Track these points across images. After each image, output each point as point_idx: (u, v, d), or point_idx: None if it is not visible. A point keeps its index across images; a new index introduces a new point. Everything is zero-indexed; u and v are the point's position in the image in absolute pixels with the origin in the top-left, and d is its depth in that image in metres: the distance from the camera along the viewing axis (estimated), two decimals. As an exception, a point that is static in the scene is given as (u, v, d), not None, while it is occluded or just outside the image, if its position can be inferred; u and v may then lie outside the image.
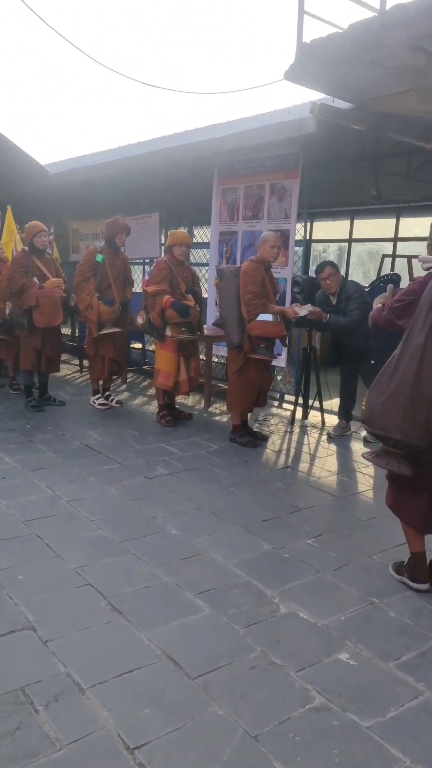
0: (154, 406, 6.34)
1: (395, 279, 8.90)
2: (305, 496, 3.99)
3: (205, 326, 6.15)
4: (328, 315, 4.97)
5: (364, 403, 2.82)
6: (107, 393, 6.37)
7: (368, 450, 2.96)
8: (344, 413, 5.40)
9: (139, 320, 5.46)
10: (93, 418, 5.83)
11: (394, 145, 7.11)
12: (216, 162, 6.88)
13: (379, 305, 2.92)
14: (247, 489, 4.07)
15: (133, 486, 4.08)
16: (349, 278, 5.88)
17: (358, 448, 5.06)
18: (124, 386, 7.38)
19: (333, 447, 5.08)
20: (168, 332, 5.39)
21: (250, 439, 5.06)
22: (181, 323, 5.31)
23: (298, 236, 6.37)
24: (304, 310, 4.91)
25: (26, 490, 3.90)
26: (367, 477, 4.40)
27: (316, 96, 5.71)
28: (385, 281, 8.84)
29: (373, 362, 5.17)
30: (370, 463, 4.61)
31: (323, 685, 2.08)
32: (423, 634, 2.43)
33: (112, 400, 6.31)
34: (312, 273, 5.59)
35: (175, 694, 2.02)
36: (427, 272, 2.66)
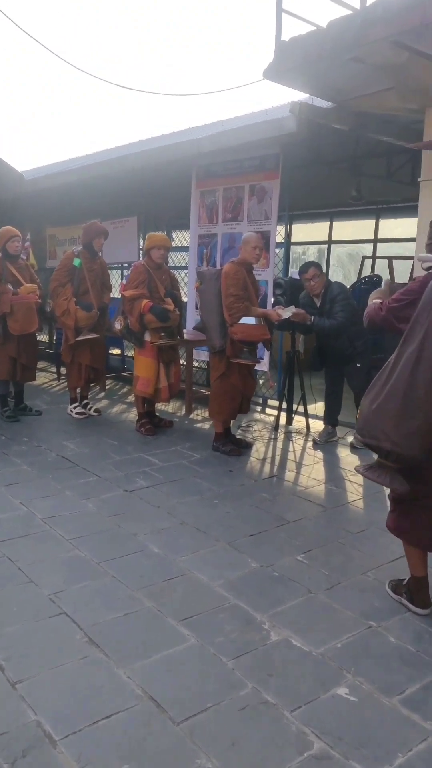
0: (133, 414, 6.13)
1: (376, 280, 8.83)
2: (293, 507, 3.82)
3: (185, 330, 5.97)
4: (312, 317, 4.82)
5: (358, 413, 2.66)
6: (85, 401, 6.15)
7: (361, 464, 2.78)
8: (330, 419, 5.25)
9: (117, 326, 5.26)
10: (70, 427, 5.60)
11: (374, 145, 7.02)
12: (194, 164, 6.71)
13: (377, 301, 2.74)
14: (231, 501, 3.89)
15: (112, 500, 3.87)
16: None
17: (345, 455, 4.91)
18: (102, 394, 7.15)
19: (319, 454, 4.92)
20: (147, 337, 5.19)
21: (233, 447, 4.87)
22: (161, 328, 5.12)
23: (279, 238, 6.23)
24: (287, 313, 4.76)
25: (-2, 508, 3.67)
26: (356, 486, 4.24)
27: (297, 97, 5.58)
28: (366, 283, 8.76)
29: (358, 365, 5.03)
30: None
31: (322, 726, 1.89)
32: (426, 662, 2.26)
33: (90, 409, 6.09)
34: (294, 274, 5.44)
35: (158, 743, 1.82)
36: (427, 271, 2.51)
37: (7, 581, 2.82)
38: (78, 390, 6.07)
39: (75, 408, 6.00)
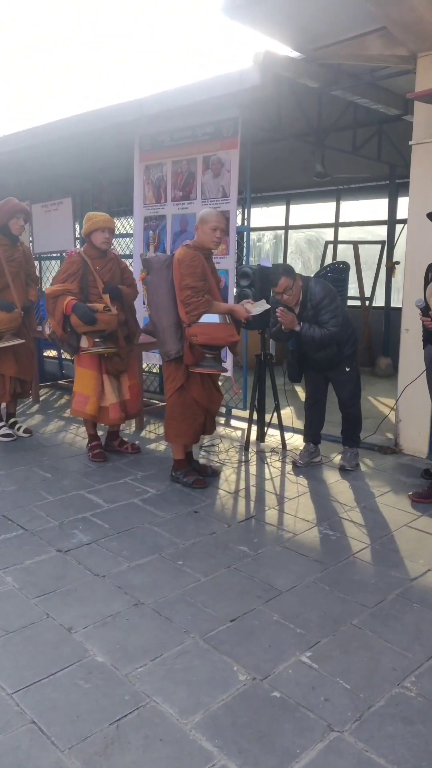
0: (73, 432, 5.10)
1: (342, 267, 8.02)
2: (282, 567, 2.91)
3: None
4: (301, 324, 3.89)
5: None
6: (12, 420, 5.06)
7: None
8: (311, 435, 4.36)
9: (47, 330, 4.19)
10: (-8, 456, 4.52)
11: (340, 114, 6.18)
12: (136, 132, 5.68)
13: None
14: (201, 561, 2.94)
15: (41, 569, 2.86)
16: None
17: (334, 480, 4.03)
18: (36, 406, 6.06)
19: (303, 481, 4.02)
20: (84, 343, 4.17)
21: (197, 477, 3.92)
22: (93, 332, 4.09)
23: (238, 222, 5.30)
24: (258, 308, 3.82)
25: None
26: (357, 527, 3.36)
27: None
28: (333, 270, 7.94)
29: (348, 369, 4.17)
30: (356, 506, 3.57)
31: None
32: None
33: (19, 429, 5.01)
34: (264, 262, 4.50)
35: None
36: None
37: None
38: (2, 406, 4.99)
39: (0, 429, 4.91)
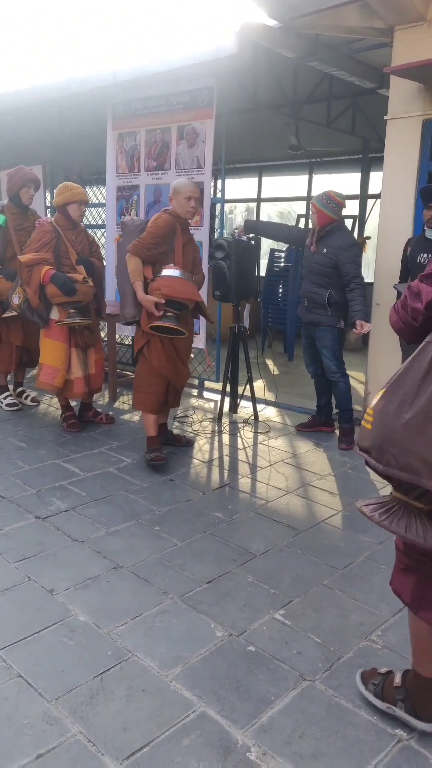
0: (45, 403, 5.11)
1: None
2: (256, 531, 3.02)
3: (107, 302, 4.94)
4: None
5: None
6: (20, 389, 5.06)
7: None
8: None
9: (15, 300, 4.15)
10: (-34, 426, 4.50)
11: (315, 85, 6.18)
12: (109, 98, 5.58)
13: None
14: (178, 527, 3.03)
15: (20, 535, 2.92)
16: (261, 244, 4.86)
17: (305, 450, 4.15)
18: (9, 376, 5.99)
19: (275, 451, 4.12)
20: (54, 315, 4.15)
21: (156, 454, 3.75)
22: (68, 303, 4.07)
23: (212, 193, 5.29)
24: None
25: None
26: (328, 494, 3.50)
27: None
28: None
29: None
30: (327, 475, 3.75)
31: None
32: None
33: (26, 398, 5.04)
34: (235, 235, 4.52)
35: None
36: None
37: None
38: (9, 376, 5.02)
39: (6, 398, 4.89)
